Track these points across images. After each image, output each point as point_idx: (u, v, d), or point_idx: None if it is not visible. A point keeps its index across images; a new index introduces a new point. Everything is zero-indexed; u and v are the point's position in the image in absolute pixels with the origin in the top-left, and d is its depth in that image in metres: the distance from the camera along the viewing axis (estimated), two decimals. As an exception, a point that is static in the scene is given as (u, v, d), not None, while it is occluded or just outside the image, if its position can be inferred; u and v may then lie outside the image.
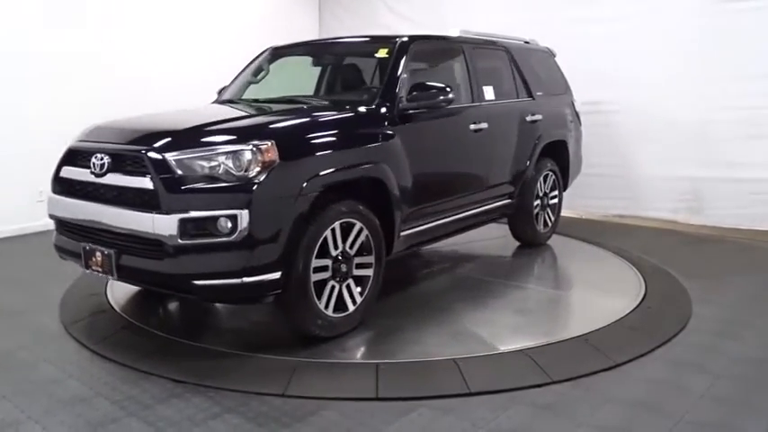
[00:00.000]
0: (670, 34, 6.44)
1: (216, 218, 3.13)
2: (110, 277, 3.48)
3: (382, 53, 4.40)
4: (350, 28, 8.56)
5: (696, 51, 6.28)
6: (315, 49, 5.34)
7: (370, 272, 3.80)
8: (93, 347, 3.59)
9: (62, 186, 3.74)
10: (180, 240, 3.14)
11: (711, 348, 3.60)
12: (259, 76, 5.05)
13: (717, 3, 6.15)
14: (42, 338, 3.80)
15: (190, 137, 3.43)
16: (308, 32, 8.85)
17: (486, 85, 4.96)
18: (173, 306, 4.40)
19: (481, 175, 4.96)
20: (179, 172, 3.21)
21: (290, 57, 5.18)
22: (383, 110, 4.01)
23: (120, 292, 4.51)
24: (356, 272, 3.73)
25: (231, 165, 3.20)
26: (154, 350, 3.54)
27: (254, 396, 3.02)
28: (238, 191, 3.17)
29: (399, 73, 4.18)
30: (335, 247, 3.56)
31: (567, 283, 4.95)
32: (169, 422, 2.79)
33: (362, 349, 3.63)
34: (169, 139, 3.37)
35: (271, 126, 3.57)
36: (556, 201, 5.95)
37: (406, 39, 4.41)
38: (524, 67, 5.54)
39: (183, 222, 3.13)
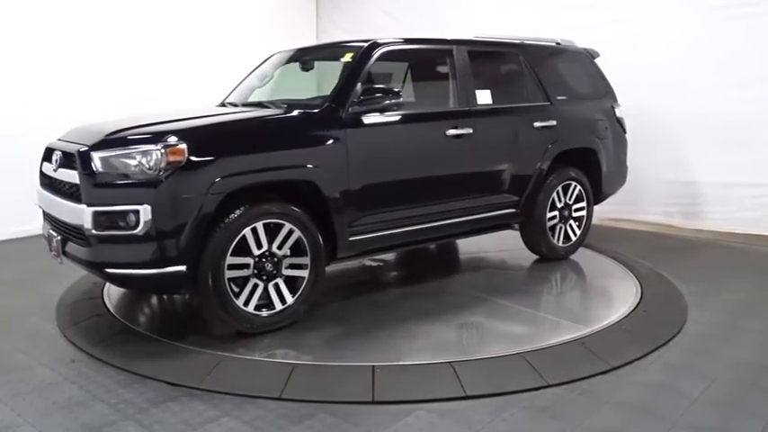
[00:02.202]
0: (666, 39, 6.47)
1: (123, 212, 3.39)
2: (60, 260, 3.81)
3: (347, 58, 4.39)
4: (347, 31, 8.59)
5: (691, 56, 6.31)
6: (301, 55, 5.29)
7: (304, 273, 3.86)
8: (89, 351, 3.59)
9: (42, 180, 4.13)
10: (94, 231, 3.44)
11: (707, 352, 3.61)
12: (264, 81, 5.11)
13: (714, 9, 6.18)
14: (39, 342, 3.80)
15: (118, 137, 3.63)
16: (305, 36, 8.86)
17: (481, 88, 4.81)
18: (169, 309, 4.40)
19: (464, 183, 4.71)
20: (100, 169, 3.47)
21: (290, 63, 5.19)
22: (330, 113, 4.02)
23: (116, 295, 4.51)
24: (288, 272, 3.82)
25: (143, 164, 3.41)
26: (150, 353, 3.54)
27: (251, 399, 3.02)
28: (144, 187, 3.40)
29: (355, 77, 4.16)
30: (258, 247, 3.67)
31: (562, 287, 4.95)
32: (165, 426, 2.79)
33: (357, 351, 3.62)
34: (101, 138, 3.61)
35: (185, 128, 3.65)
36: (583, 213, 5.54)
37: (369, 44, 4.39)
38: (543, 70, 5.27)
39: (96, 214, 3.43)
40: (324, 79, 5.12)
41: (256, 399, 3.03)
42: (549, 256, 5.40)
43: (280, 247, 3.77)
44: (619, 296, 4.52)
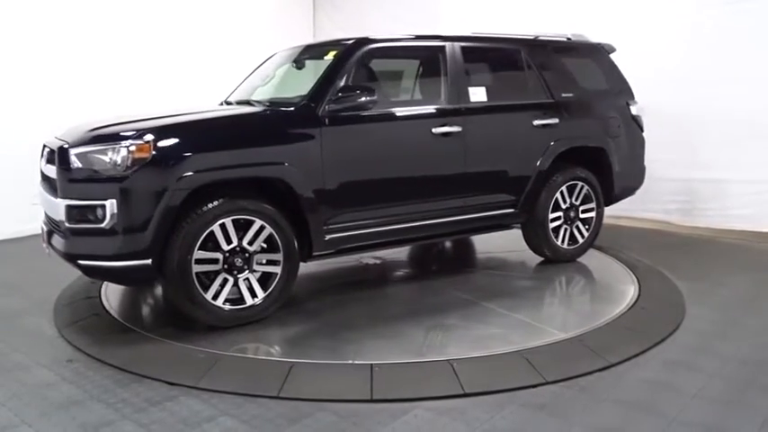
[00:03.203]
0: (663, 35, 6.47)
1: (92, 206, 3.52)
2: (48, 251, 3.96)
3: (330, 56, 4.38)
4: (344, 30, 8.57)
5: (688, 52, 6.32)
6: (294, 54, 5.26)
7: (277, 269, 3.90)
8: (87, 350, 3.58)
9: (40, 176, 4.21)
10: (67, 224, 3.58)
11: (705, 348, 3.62)
12: (266, 80, 5.12)
13: (711, 5, 6.19)
14: (36, 341, 3.79)
15: (93, 135, 3.72)
16: (303, 34, 8.85)
17: (476, 85, 4.71)
18: (167, 309, 4.39)
19: (453, 182, 4.63)
20: (75, 165, 3.59)
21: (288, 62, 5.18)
22: (306, 111, 4.03)
23: (114, 295, 4.50)
24: (259, 268, 3.86)
25: (112, 160, 3.52)
26: (148, 353, 3.53)
27: (249, 398, 3.02)
28: (111, 183, 3.51)
29: (334, 75, 4.17)
30: (228, 242, 3.73)
31: (560, 285, 4.95)
32: (163, 425, 2.79)
33: (357, 350, 3.63)
34: (80, 136, 3.74)
35: (152, 127, 3.71)
36: (592, 215, 5.33)
37: (353, 42, 4.39)
38: (547, 67, 5.11)
39: (69, 208, 3.58)
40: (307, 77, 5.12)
41: (254, 398, 3.02)
42: (554, 259, 5.22)
43: (251, 243, 3.82)
44: (617, 293, 4.53)
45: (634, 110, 5.56)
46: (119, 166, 3.50)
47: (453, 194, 4.64)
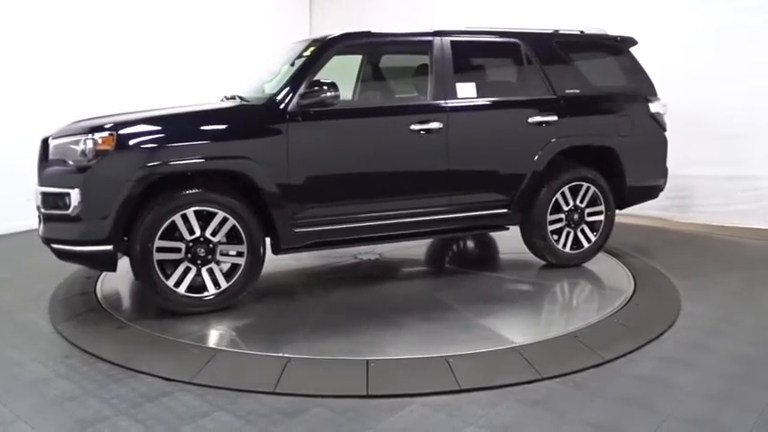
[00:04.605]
0: (658, 31, 6.47)
1: (60, 194, 3.76)
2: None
3: (308, 52, 4.37)
4: (340, 25, 8.53)
5: (684, 49, 6.32)
6: (299, 48, 5.26)
7: (241, 260, 4.00)
8: (82, 346, 3.57)
9: None
10: (43, 210, 3.89)
11: (700, 345, 3.63)
12: (272, 75, 5.07)
13: (707, 2, 6.19)
14: (31, 337, 3.78)
15: (70, 128, 3.93)
16: (299, 30, 8.81)
17: (464, 81, 4.56)
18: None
19: (434, 180, 4.52)
20: (52, 155, 3.86)
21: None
22: (273, 107, 4.07)
23: (109, 290, 4.50)
24: (222, 258, 3.98)
25: (81, 151, 3.72)
26: (143, 348, 3.52)
27: (245, 393, 3.02)
28: (75, 173, 3.74)
29: (304, 72, 4.18)
30: (190, 233, 3.88)
31: (556, 281, 4.95)
32: (159, 420, 2.78)
33: (350, 346, 3.63)
34: (62, 128, 3.96)
35: (118, 120, 3.87)
36: (600, 218, 5.01)
37: (329, 38, 4.38)
38: (550, 62, 4.85)
39: (44, 195, 3.88)
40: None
41: (250, 393, 3.02)
42: (555, 263, 4.97)
43: (214, 234, 3.92)
44: (612, 289, 4.54)
45: (654, 107, 5.21)
46: (85, 156, 3.70)
47: (434, 193, 4.54)
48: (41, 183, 3.91)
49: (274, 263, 4.82)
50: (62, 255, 3.93)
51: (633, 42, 5.33)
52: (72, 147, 3.76)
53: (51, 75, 6.51)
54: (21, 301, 4.38)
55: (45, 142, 3.93)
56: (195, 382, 3.12)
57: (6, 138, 6.14)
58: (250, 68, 5.36)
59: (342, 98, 4.22)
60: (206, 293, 3.96)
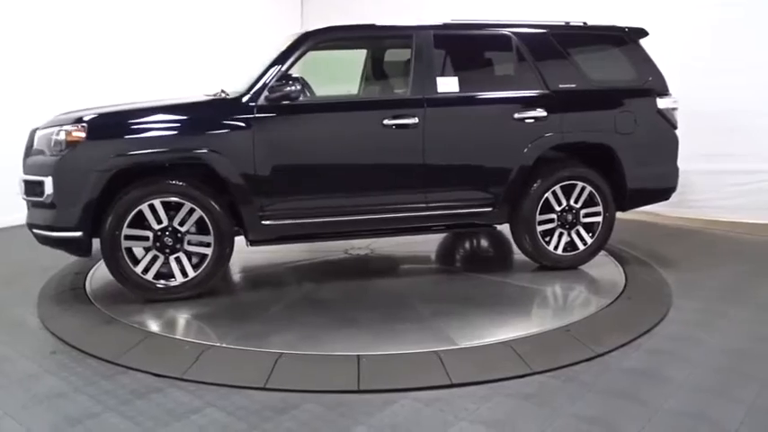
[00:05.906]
0: (651, 26, 6.45)
1: (37, 182, 3.95)
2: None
3: (286, 46, 4.34)
4: (332, 19, 8.48)
5: (677, 43, 6.31)
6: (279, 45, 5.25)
7: (208, 250, 4.10)
8: (71, 342, 3.55)
9: None
10: (24, 196, 4.08)
11: (691, 339, 3.64)
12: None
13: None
14: (20, 333, 3.76)
15: (56, 119, 4.12)
16: (291, 23, 8.76)
17: (445, 75, 4.45)
18: (151, 300, 4.35)
19: (407, 176, 4.42)
20: (36, 145, 4.07)
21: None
22: (241, 101, 4.12)
23: (99, 286, 4.47)
24: (190, 248, 4.11)
25: (57, 141, 3.91)
26: (133, 344, 3.49)
27: (235, 389, 3.00)
28: (48, 162, 3.93)
29: (275, 65, 4.20)
30: (158, 222, 4.01)
31: (548, 275, 4.95)
32: (148, 417, 2.77)
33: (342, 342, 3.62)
34: (50, 120, 4.15)
35: (90, 113, 4.05)
36: (597, 219, 4.77)
37: (302, 33, 4.36)
38: (544, 55, 4.65)
39: (25, 183, 4.07)
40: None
41: (241, 389, 3.01)
42: (547, 265, 4.77)
43: (182, 224, 4.04)
44: (604, 283, 4.54)
45: (663, 103, 4.87)
46: (59, 146, 3.89)
47: (410, 189, 4.45)
48: (24, 171, 4.11)
49: (263, 256, 4.81)
50: (40, 239, 4.12)
51: (643, 33, 5.04)
52: (52, 137, 3.93)
53: (46, 72, 6.48)
54: (10, 296, 4.35)
55: (33, 133, 4.14)
56: (185, 378, 3.11)
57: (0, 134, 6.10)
58: (245, 63, 5.32)
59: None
60: (172, 281, 4.09)
